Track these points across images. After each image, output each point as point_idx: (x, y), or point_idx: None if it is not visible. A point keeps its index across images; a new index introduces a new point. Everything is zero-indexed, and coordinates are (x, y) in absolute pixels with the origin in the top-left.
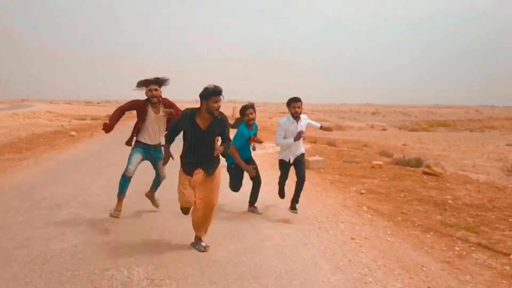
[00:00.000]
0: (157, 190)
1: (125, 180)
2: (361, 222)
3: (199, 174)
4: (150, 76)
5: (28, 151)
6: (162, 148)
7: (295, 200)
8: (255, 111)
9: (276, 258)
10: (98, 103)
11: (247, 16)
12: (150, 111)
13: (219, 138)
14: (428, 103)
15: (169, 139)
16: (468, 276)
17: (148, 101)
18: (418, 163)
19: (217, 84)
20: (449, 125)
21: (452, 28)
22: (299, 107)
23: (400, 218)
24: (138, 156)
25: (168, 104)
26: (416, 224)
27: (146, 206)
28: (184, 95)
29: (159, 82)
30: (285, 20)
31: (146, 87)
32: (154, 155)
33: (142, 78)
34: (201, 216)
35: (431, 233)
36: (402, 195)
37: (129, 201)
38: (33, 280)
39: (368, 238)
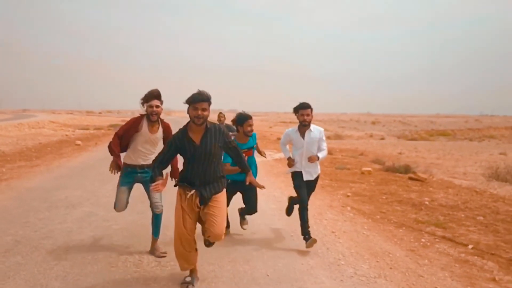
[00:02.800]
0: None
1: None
2: (343, 220)
3: (191, 193)
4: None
5: (38, 159)
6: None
7: (304, 230)
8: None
9: (265, 246)
10: (99, 113)
11: (250, 22)
12: (145, 129)
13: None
14: (428, 113)
15: (159, 169)
16: (426, 261)
17: (145, 117)
18: (406, 169)
19: (202, 90)
20: (448, 134)
21: (453, 38)
22: (308, 115)
23: (378, 217)
24: (124, 189)
25: (167, 129)
26: (392, 221)
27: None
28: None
29: (160, 97)
30: (285, 29)
31: (147, 102)
32: (142, 177)
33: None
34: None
35: (404, 228)
36: (384, 197)
37: (137, 198)
38: (60, 262)
39: (347, 232)
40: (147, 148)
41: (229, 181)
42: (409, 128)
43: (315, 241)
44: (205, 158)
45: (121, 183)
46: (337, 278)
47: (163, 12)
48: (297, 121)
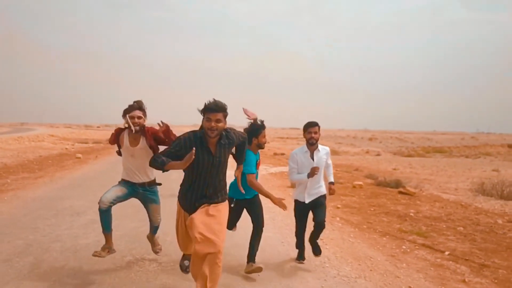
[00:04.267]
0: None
1: (102, 214)
2: (331, 229)
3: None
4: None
5: (41, 171)
6: (156, 187)
7: (312, 245)
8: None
9: (258, 252)
10: (98, 127)
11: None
12: (126, 143)
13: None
14: (425, 129)
15: (162, 166)
16: (404, 265)
17: (125, 130)
18: (397, 184)
19: (218, 100)
20: (445, 151)
21: (449, 54)
22: (315, 132)
23: (365, 226)
24: (117, 188)
25: (150, 133)
26: (377, 231)
27: None
28: (183, 118)
29: (142, 107)
30: (285, 44)
31: (128, 113)
32: (143, 195)
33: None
34: (202, 264)
35: (387, 236)
36: (372, 209)
37: (138, 207)
38: (69, 262)
39: (334, 239)
40: (137, 165)
41: (234, 199)
42: (406, 144)
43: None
44: (218, 169)
45: (119, 183)
46: (321, 278)
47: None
48: (294, 136)
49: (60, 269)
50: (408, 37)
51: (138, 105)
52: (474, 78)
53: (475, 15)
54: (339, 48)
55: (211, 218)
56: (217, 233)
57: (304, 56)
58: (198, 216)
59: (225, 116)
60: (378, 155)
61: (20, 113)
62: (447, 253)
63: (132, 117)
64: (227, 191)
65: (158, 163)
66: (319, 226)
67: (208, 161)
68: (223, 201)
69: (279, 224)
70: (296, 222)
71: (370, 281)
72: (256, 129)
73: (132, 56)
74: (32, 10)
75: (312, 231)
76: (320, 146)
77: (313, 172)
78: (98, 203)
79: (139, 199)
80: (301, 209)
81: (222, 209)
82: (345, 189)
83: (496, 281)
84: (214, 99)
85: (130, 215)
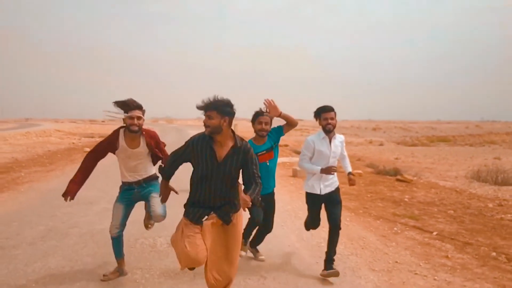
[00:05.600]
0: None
1: (114, 241)
2: None
3: (211, 220)
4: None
5: (52, 165)
6: (158, 183)
7: (328, 258)
8: (271, 121)
9: None
10: (103, 121)
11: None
12: (123, 145)
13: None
14: (430, 119)
15: (168, 172)
16: (394, 243)
17: (121, 131)
18: (396, 172)
19: (216, 95)
20: (449, 140)
21: (453, 43)
22: (332, 118)
23: (361, 211)
24: (119, 206)
25: (152, 137)
26: (372, 215)
27: None
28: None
29: (142, 107)
30: (288, 36)
31: (126, 112)
32: (141, 194)
33: (120, 100)
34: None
35: (381, 220)
36: (369, 196)
37: None
38: (88, 244)
39: None
40: (133, 165)
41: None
42: (410, 134)
43: (336, 273)
44: (220, 178)
45: (117, 200)
46: (316, 256)
47: (160, 22)
48: (298, 128)
49: (80, 250)
50: (411, 29)
51: (136, 104)
52: (479, 67)
53: (478, 4)
54: (342, 40)
55: (222, 256)
56: (228, 274)
57: (307, 48)
58: (209, 246)
59: (219, 113)
60: (381, 145)
61: (24, 109)
62: (435, 233)
63: (131, 118)
64: (237, 206)
65: (163, 173)
66: (335, 229)
67: (212, 166)
68: (232, 216)
69: (280, 210)
70: (309, 214)
71: (360, 258)
72: (253, 115)
73: (132, 51)
74: (28, 4)
75: (329, 236)
76: (336, 134)
77: (328, 171)
78: (110, 231)
79: (140, 200)
80: (315, 202)
81: (236, 224)
82: (345, 177)
83: (476, 256)
84: (215, 96)
85: (142, 203)
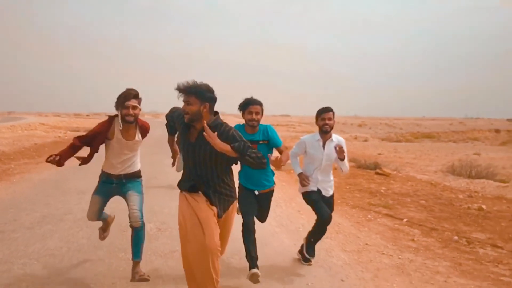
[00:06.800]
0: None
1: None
2: None
3: (200, 198)
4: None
5: (40, 157)
6: (140, 181)
7: (308, 244)
8: (262, 111)
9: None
10: (87, 115)
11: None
12: (118, 136)
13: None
14: (415, 115)
15: (171, 129)
16: (366, 229)
17: (115, 121)
18: (375, 166)
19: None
20: (433, 136)
21: (438, 42)
22: (329, 119)
23: (339, 201)
24: (97, 200)
25: (145, 130)
26: (349, 204)
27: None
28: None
29: (138, 96)
30: (276, 32)
31: (124, 102)
32: (119, 189)
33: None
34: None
35: (357, 208)
36: (348, 187)
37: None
38: (83, 229)
39: (310, 211)
40: (123, 158)
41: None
42: (395, 130)
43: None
44: (201, 160)
45: (95, 191)
46: (294, 239)
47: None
48: (284, 123)
49: (76, 234)
50: (398, 27)
51: (134, 93)
52: (463, 64)
53: (464, 3)
54: (330, 36)
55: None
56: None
57: (295, 45)
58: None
59: (199, 98)
60: (366, 140)
61: (6, 103)
62: (405, 220)
63: (126, 107)
64: (232, 192)
65: (168, 129)
66: (323, 221)
67: (188, 146)
68: (228, 206)
69: None
70: (315, 208)
71: (334, 240)
72: (243, 103)
73: (118, 44)
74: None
75: (314, 226)
76: (334, 136)
77: (301, 180)
78: (88, 218)
79: (118, 195)
80: (313, 197)
81: (228, 215)
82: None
83: (440, 240)
84: (187, 81)
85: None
